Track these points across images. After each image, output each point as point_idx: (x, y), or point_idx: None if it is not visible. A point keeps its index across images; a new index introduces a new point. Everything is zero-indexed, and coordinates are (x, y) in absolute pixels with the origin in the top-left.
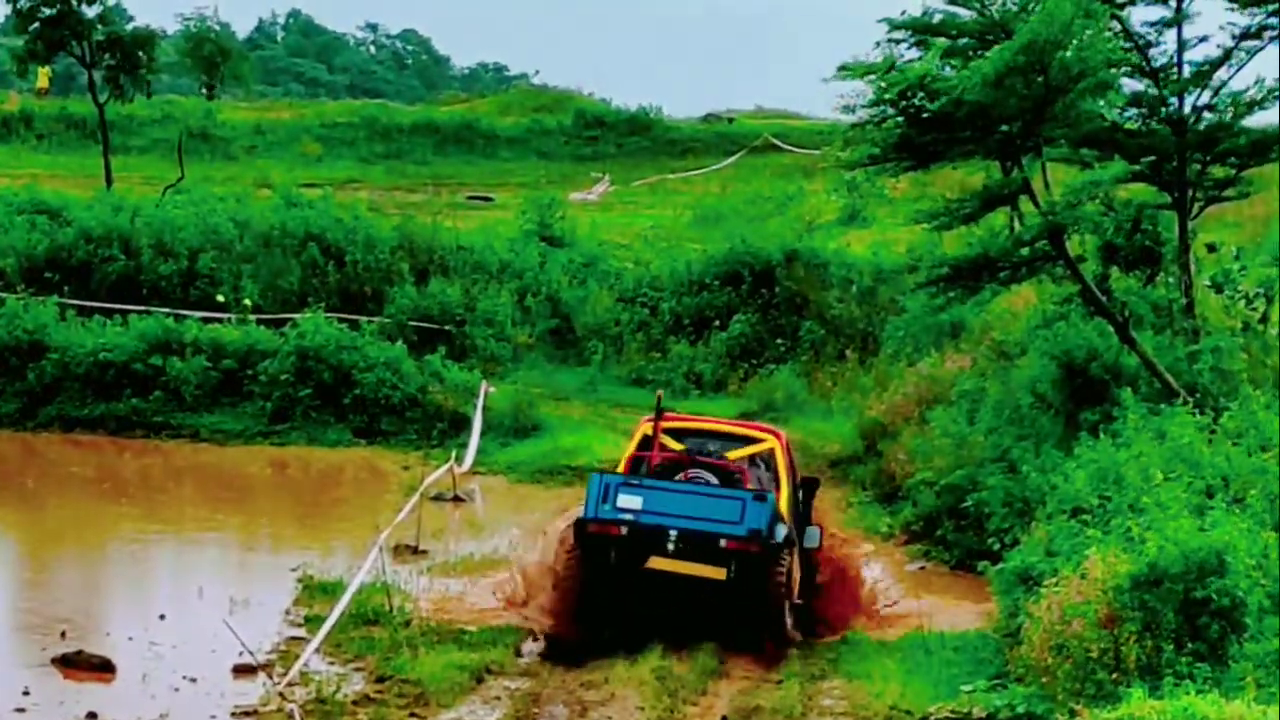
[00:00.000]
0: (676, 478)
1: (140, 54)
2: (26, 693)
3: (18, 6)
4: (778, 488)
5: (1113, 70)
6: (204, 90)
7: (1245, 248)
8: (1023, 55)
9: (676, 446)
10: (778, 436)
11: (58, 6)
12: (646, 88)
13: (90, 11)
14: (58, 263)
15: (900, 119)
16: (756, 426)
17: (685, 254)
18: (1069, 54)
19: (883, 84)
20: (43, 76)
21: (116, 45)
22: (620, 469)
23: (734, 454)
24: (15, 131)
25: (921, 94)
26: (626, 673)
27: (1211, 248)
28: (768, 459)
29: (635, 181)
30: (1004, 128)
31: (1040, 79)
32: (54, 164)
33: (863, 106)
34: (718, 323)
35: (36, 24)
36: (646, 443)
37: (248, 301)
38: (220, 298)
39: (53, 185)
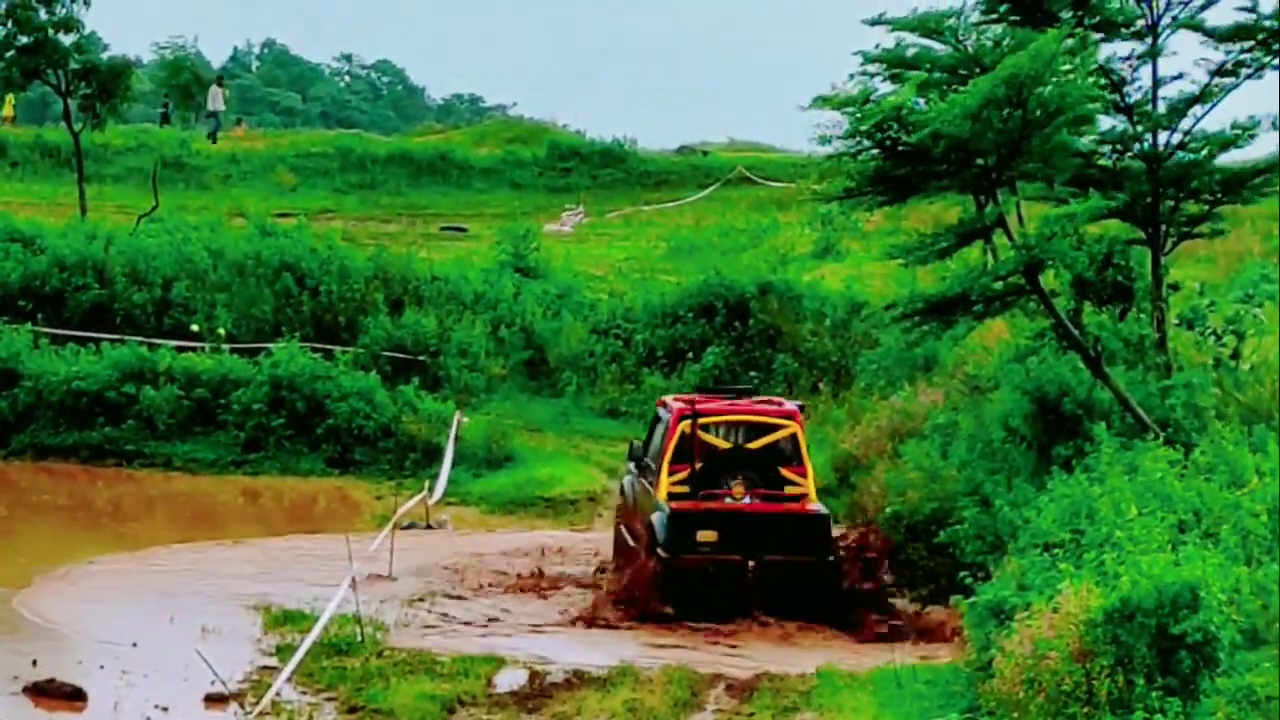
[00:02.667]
0: (730, 484)
1: (115, 83)
2: None
3: None
4: (802, 467)
5: (1091, 105)
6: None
7: (1216, 284)
8: (1002, 88)
9: (719, 443)
10: (795, 417)
11: (34, 35)
12: (621, 120)
13: (66, 40)
14: (31, 290)
15: (876, 151)
16: (775, 410)
17: (659, 286)
18: (1048, 89)
19: (859, 115)
20: (8, 105)
21: (92, 74)
22: (664, 462)
23: (758, 443)
24: None
25: (897, 126)
26: (598, 704)
27: (1174, 287)
28: (793, 441)
29: (609, 213)
30: (980, 161)
31: (1018, 113)
32: (27, 191)
33: (839, 138)
34: (691, 355)
35: (12, 51)
36: (684, 442)
37: (221, 331)
38: (194, 327)
39: (26, 213)
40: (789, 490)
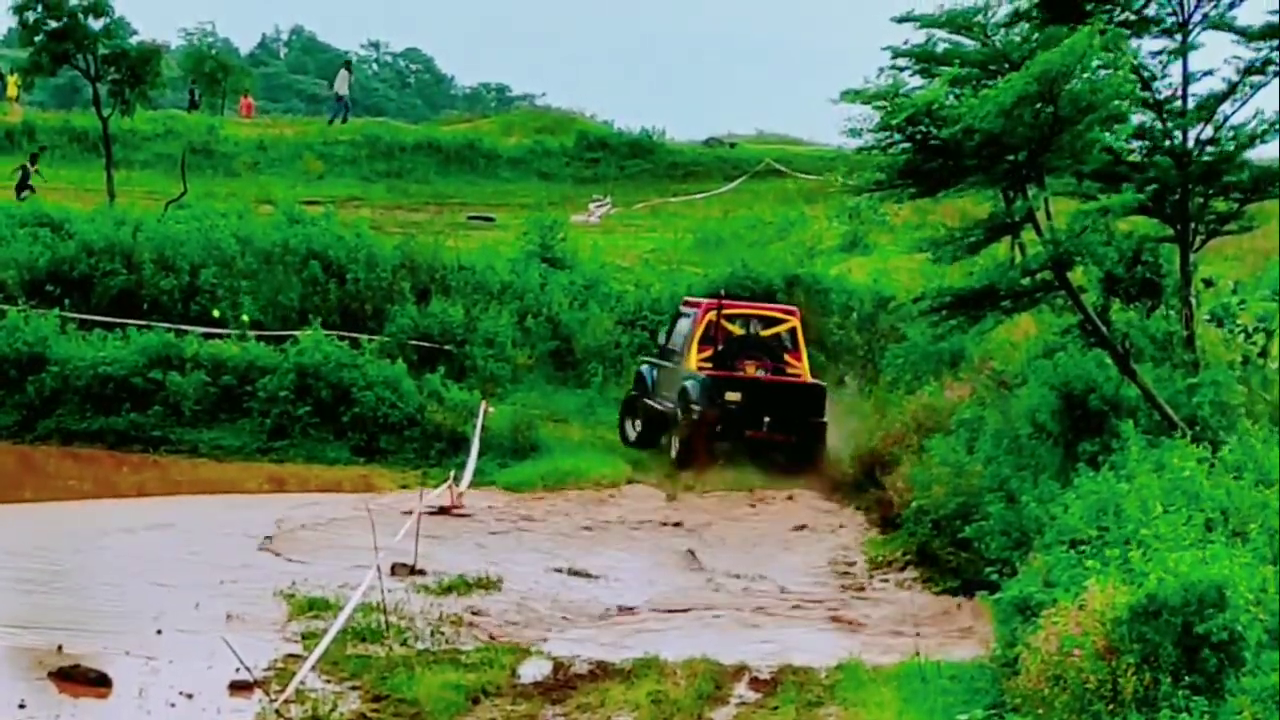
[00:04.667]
0: (746, 362)
1: (144, 68)
2: (23, 706)
3: (23, 19)
4: (799, 354)
5: (1122, 103)
6: (190, 103)
7: (1245, 282)
8: (1034, 84)
9: (735, 330)
10: (794, 314)
11: (63, 20)
12: (649, 111)
13: (95, 24)
14: (59, 276)
15: (907, 145)
16: (780, 308)
17: (686, 277)
18: (1079, 85)
19: (890, 109)
20: (12, 85)
21: (121, 59)
22: (693, 347)
23: (768, 331)
24: (18, 144)
25: (929, 121)
26: (622, 696)
27: (1209, 283)
28: (792, 333)
29: (636, 204)
30: (1010, 157)
31: (1050, 109)
32: (56, 176)
33: (869, 131)
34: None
35: (41, 36)
36: (710, 327)
37: (247, 318)
38: (220, 314)
39: (54, 198)
40: (790, 371)
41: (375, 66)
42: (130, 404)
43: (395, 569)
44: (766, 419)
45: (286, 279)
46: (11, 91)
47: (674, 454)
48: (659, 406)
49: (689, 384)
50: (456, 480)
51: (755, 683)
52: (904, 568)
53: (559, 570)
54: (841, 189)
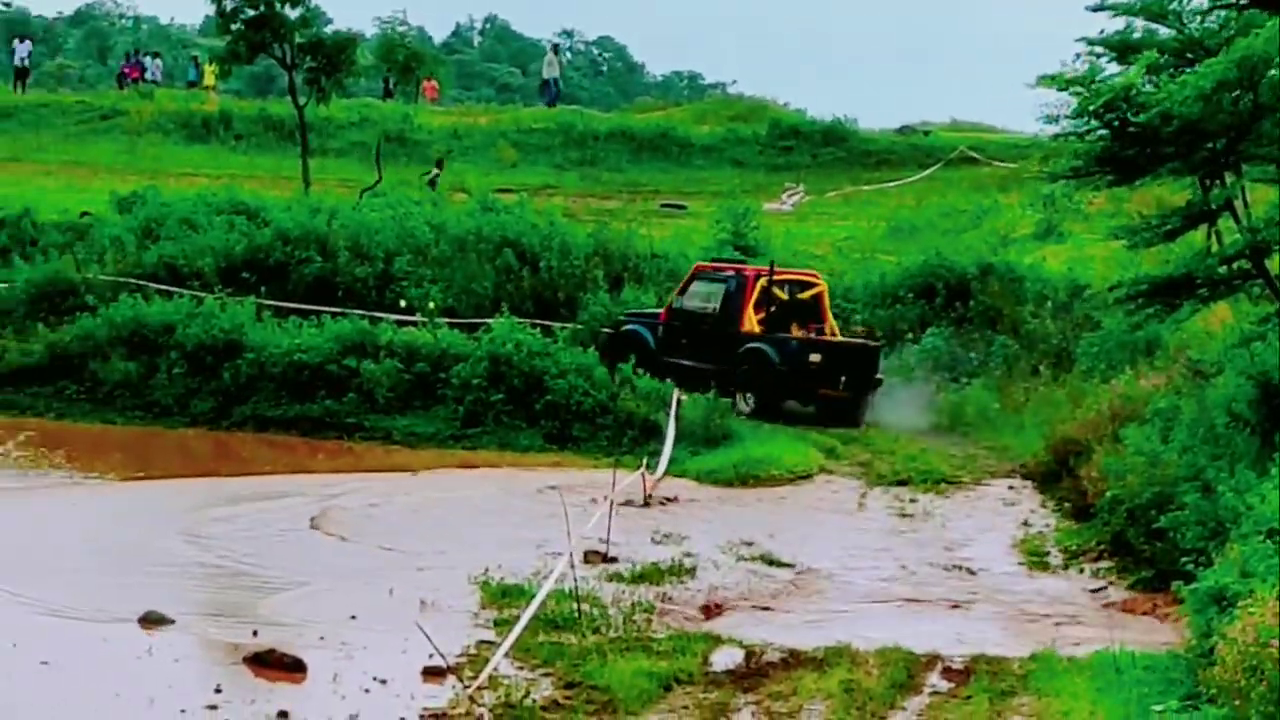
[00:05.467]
0: (793, 324)
1: (340, 57)
2: (219, 690)
3: (221, 8)
4: (826, 317)
5: None
6: (385, 91)
7: None
8: (1234, 70)
9: (781, 295)
10: (819, 279)
11: (260, 8)
12: (842, 99)
13: (292, 14)
14: (255, 263)
15: (1104, 132)
16: (808, 274)
17: (879, 266)
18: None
19: (1087, 95)
20: (209, 74)
21: (317, 48)
22: (749, 311)
23: (804, 294)
24: (215, 132)
25: (1126, 106)
26: (814, 685)
27: None
28: (819, 298)
29: (829, 192)
30: (1209, 144)
31: (1249, 96)
32: (252, 165)
33: (1066, 118)
34: (910, 335)
35: (239, 25)
36: (764, 294)
37: (433, 305)
38: (413, 302)
39: (251, 186)
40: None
41: (569, 55)
42: (325, 391)
43: (588, 557)
44: (843, 378)
45: (480, 267)
46: (209, 80)
47: (747, 410)
48: (689, 365)
49: (764, 346)
50: (650, 469)
51: (948, 672)
52: (1098, 557)
53: (752, 558)
54: (1036, 176)
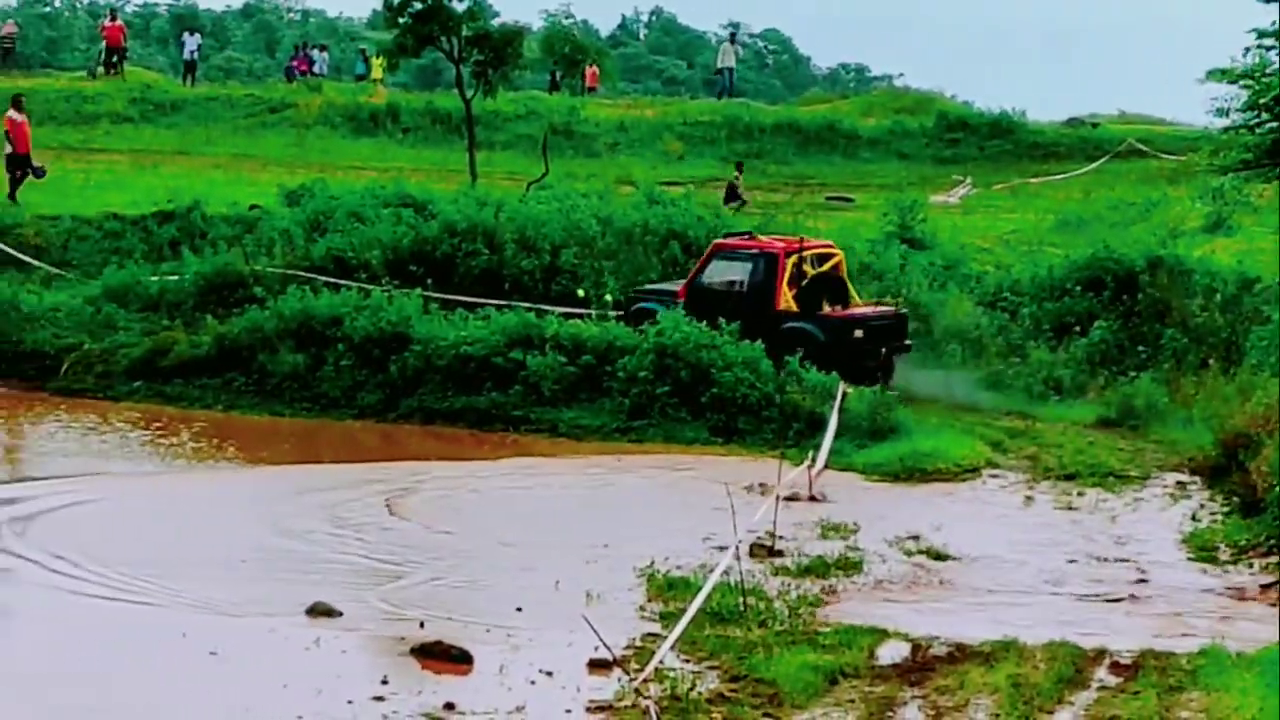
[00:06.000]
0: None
1: (507, 50)
2: (385, 681)
3: (389, 2)
4: (847, 286)
5: None
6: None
7: None
8: None
9: (810, 270)
10: (835, 247)
11: (428, 2)
12: (1009, 91)
13: (459, 7)
14: (422, 256)
15: (1274, 125)
16: (826, 245)
17: (1046, 259)
18: None
19: (1258, 88)
20: (377, 68)
21: (484, 41)
22: (783, 288)
23: (825, 266)
24: (382, 125)
25: None
26: (981, 679)
27: None
28: (838, 266)
29: (996, 185)
30: None
31: None
32: (419, 158)
33: (1235, 110)
34: (1078, 328)
35: (406, 18)
36: (796, 270)
37: (608, 298)
38: (581, 294)
39: (418, 179)
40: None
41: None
42: (491, 383)
43: (754, 550)
44: (883, 349)
45: (646, 259)
46: (376, 74)
47: None
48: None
49: (807, 325)
50: (813, 461)
51: (1116, 667)
52: (1268, 552)
53: (918, 551)
54: (1206, 169)
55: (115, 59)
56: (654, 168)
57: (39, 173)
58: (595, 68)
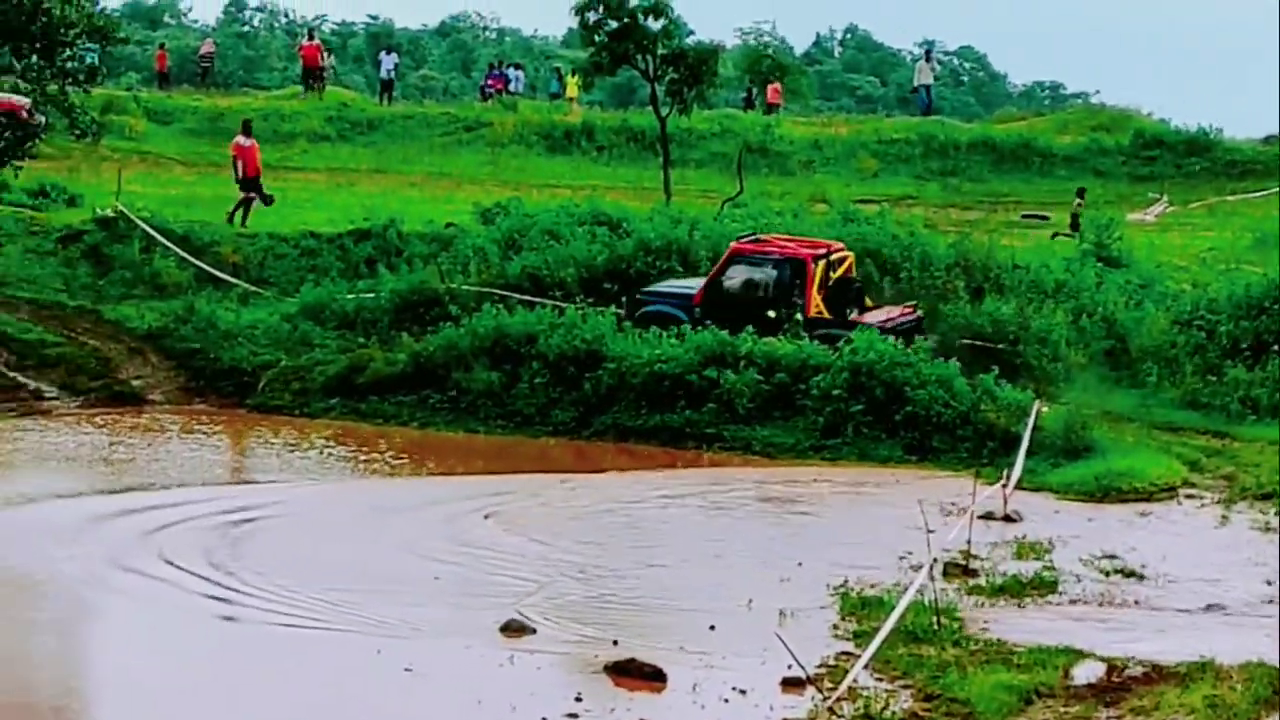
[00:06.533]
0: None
1: (702, 68)
2: (579, 699)
3: (584, 20)
4: (860, 288)
5: None
6: (746, 102)
7: None
8: None
9: (833, 274)
10: (844, 247)
11: (624, 20)
12: (1206, 108)
13: (654, 25)
14: (616, 273)
15: None
16: (836, 245)
17: (1244, 277)
18: None
19: None
20: (572, 86)
21: (679, 59)
22: (813, 294)
23: (840, 270)
24: (577, 143)
25: None
26: (1177, 700)
27: None
28: (850, 266)
29: (1193, 203)
30: None
31: None
32: (613, 175)
33: None
34: (1276, 347)
35: (601, 36)
36: (825, 277)
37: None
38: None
39: (612, 197)
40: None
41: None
42: (685, 401)
43: (948, 569)
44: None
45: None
46: (571, 92)
47: None
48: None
49: (839, 331)
50: (1008, 480)
51: None
52: None
53: (1113, 571)
54: None
55: (312, 79)
56: (848, 185)
57: (267, 200)
58: (777, 84)
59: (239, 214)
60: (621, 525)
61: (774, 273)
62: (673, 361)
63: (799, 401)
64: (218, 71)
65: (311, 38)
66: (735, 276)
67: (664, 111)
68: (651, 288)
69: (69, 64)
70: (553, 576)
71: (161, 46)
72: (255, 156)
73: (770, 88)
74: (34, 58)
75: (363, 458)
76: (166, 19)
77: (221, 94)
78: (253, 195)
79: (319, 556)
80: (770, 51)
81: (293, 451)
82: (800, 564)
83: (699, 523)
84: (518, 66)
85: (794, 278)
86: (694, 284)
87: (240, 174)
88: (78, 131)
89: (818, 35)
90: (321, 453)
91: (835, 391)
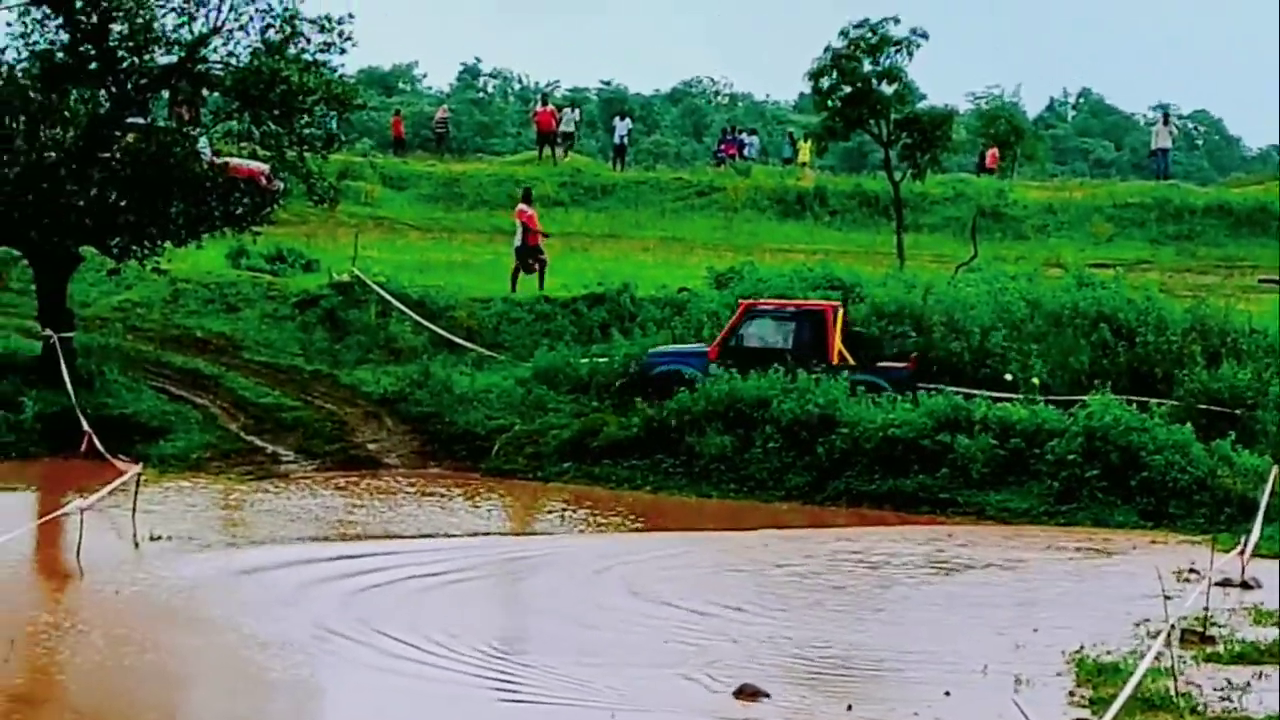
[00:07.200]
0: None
1: (936, 133)
2: None
3: (818, 85)
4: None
5: None
6: (979, 166)
7: None
8: None
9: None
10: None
11: (858, 85)
12: None
13: (888, 90)
14: (849, 338)
15: None
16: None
17: None
18: None
19: None
20: (805, 151)
21: (913, 124)
22: (836, 344)
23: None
24: (809, 208)
25: None
26: None
27: None
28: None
29: None
30: None
31: None
32: (846, 240)
33: None
34: None
35: (835, 102)
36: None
37: (1036, 380)
38: (1008, 376)
39: (844, 261)
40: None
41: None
42: (918, 466)
43: (1185, 636)
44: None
45: (1075, 342)
46: (804, 157)
47: None
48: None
49: (874, 379)
50: (1245, 546)
51: None
52: None
53: None
54: None
55: (547, 144)
56: (1083, 250)
57: (530, 269)
58: (995, 150)
59: (522, 276)
60: (848, 586)
61: (793, 325)
62: (905, 426)
63: (1033, 466)
64: (452, 137)
65: (546, 103)
66: (752, 332)
67: (897, 176)
68: (658, 349)
69: (307, 130)
70: (777, 638)
71: (397, 113)
72: (534, 223)
73: (989, 153)
74: (272, 124)
75: (598, 519)
76: (401, 85)
77: (456, 159)
78: (536, 259)
79: (544, 620)
80: (1006, 115)
81: (527, 513)
82: (1035, 629)
83: (928, 585)
84: (751, 132)
85: (816, 329)
86: (695, 346)
87: (521, 240)
88: (315, 197)
89: (1051, 99)
90: (560, 516)
91: (1070, 456)
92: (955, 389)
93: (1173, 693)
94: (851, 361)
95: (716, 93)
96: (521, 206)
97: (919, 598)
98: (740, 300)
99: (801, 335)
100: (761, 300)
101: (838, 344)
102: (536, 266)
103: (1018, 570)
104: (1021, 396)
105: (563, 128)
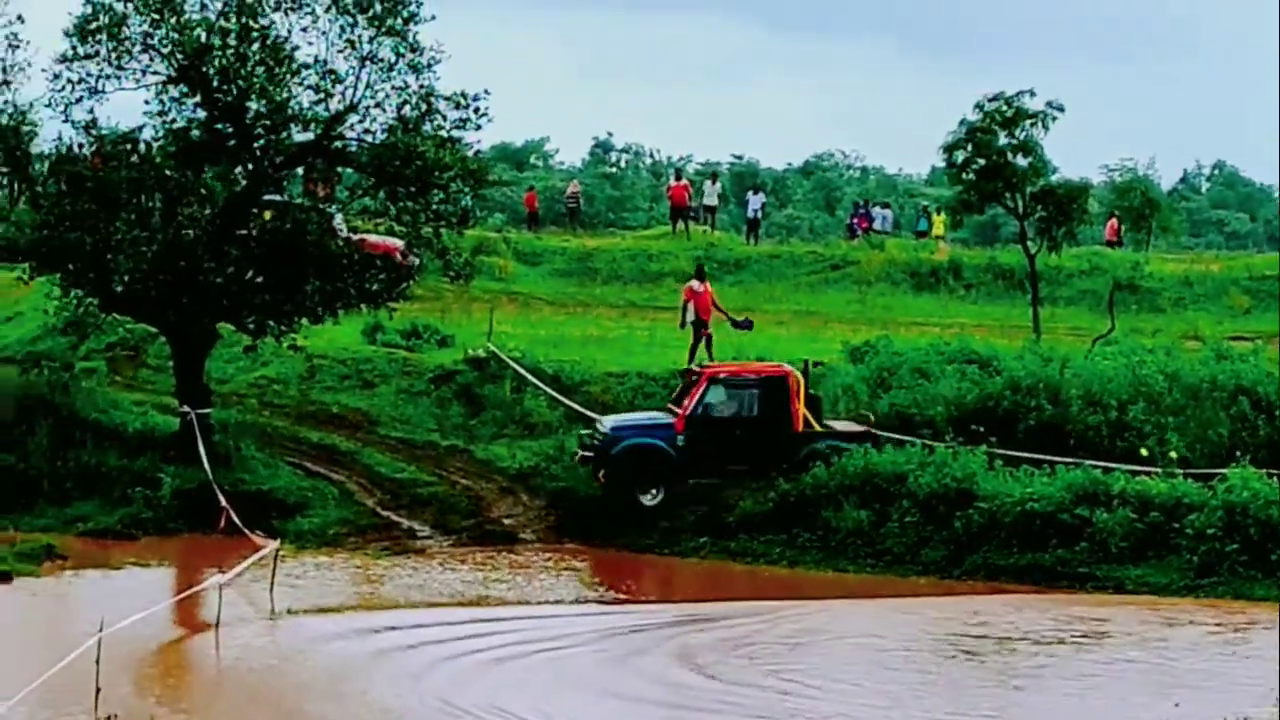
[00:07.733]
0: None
1: (1071, 206)
2: None
3: (952, 159)
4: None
5: None
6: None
7: None
8: None
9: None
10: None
11: (993, 158)
12: None
13: (1022, 163)
14: (984, 411)
15: None
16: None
17: None
18: None
19: None
20: (938, 224)
21: (1048, 196)
22: (799, 405)
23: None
24: (944, 281)
25: None
26: None
27: None
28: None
29: None
30: None
31: None
32: (981, 313)
33: None
34: None
35: (969, 175)
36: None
37: (1174, 454)
38: (1144, 452)
39: (980, 334)
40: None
41: None
42: (1056, 540)
43: None
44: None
45: (1214, 415)
46: (938, 230)
47: None
48: (732, 468)
49: (840, 444)
50: None
51: None
52: None
53: None
54: None
55: (680, 218)
56: (1220, 322)
57: (742, 325)
58: (1115, 220)
59: (700, 350)
60: (987, 660)
61: (756, 393)
62: (1044, 500)
63: (1172, 540)
64: (584, 212)
65: (679, 177)
66: (716, 401)
67: (1032, 249)
68: (620, 421)
69: (442, 206)
70: (925, 701)
71: (531, 188)
72: (707, 299)
73: (1109, 224)
74: (408, 200)
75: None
76: (533, 160)
77: (588, 234)
78: (703, 332)
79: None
80: (1140, 187)
81: (662, 588)
82: (1177, 704)
83: (1070, 659)
84: (884, 205)
85: (779, 396)
86: (654, 416)
87: (692, 316)
88: (450, 273)
89: (1184, 171)
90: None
91: (1210, 530)
92: (1093, 462)
93: None
94: (817, 427)
95: (848, 166)
96: (692, 284)
97: (1062, 668)
98: (702, 368)
99: (766, 402)
100: (724, 367)
101: (801, 409)
102: (704, 339)
103: (1158, 644)
104: (1160, 470)
105: (705, 200)
